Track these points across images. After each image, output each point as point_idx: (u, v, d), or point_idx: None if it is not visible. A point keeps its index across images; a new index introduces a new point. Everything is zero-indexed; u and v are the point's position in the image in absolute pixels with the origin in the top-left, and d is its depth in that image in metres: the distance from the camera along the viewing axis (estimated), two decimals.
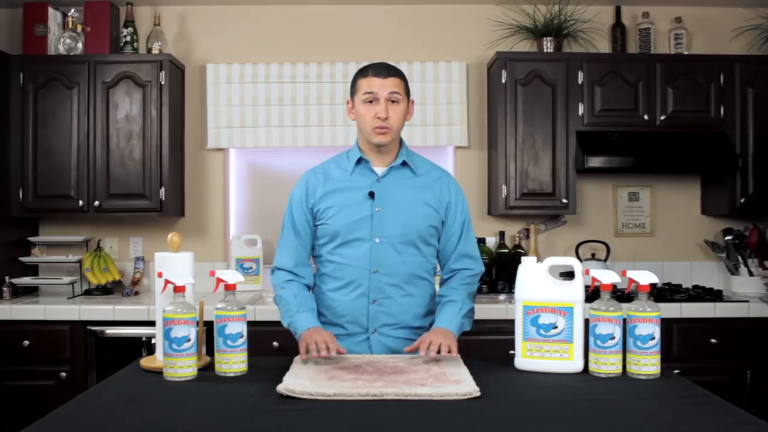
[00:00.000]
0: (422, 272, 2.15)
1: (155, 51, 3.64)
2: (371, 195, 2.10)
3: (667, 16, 3.83)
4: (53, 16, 3.61)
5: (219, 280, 1.88)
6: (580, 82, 3.54)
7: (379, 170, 2.14)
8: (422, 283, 2.15)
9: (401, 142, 2.19)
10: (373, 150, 2.13)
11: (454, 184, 2.22)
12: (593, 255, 3.76)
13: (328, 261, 2.15)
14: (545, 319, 1.84)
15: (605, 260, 3.72)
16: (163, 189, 3.52)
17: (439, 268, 2.25)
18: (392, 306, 2.10)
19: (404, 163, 2.15)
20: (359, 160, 2.14)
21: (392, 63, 3.67)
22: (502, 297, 3.47)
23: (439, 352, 1.89)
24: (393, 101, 2.07)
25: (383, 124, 2.06)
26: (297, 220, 2.16)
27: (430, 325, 2.14)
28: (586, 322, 1.83)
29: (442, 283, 2.23)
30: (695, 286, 3.55)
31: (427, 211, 2.13)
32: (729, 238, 3.72)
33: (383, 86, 2.06)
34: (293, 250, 2.17)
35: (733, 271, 3.71)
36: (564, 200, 3.55)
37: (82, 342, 3.19)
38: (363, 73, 2.11)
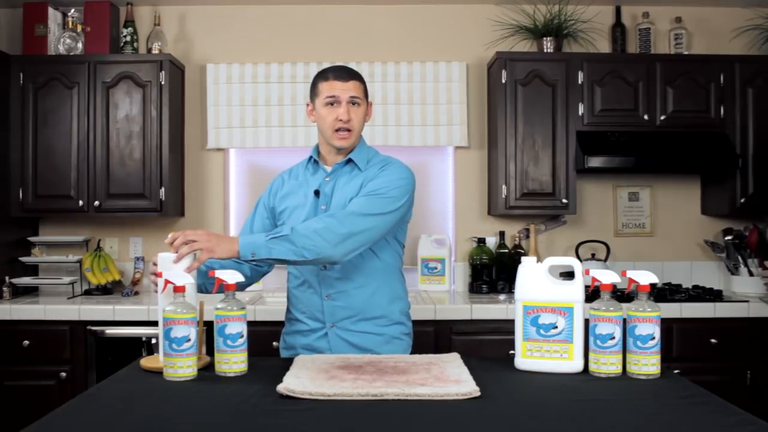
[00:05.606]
0: (372, 261, 2.12)
1: (155, 51, 3.64)
2: (316, 194, 2.13)
3: (667, 16, 3.83)
4: (53, 16, 3.61)
5: (219, 280, 1.88)
6: (580, 82, 3.54)
7: (329, 169, 2.17)
8: (375, 272, 2.13)
9: (361, 140, 2.20)
10: (333, 151, 2.15)
11: (388, 163, 2.13)
12: (593, 255, 3.76)
13: None
14: (545, 319, 1.84)
15: (605, 260, 3.72)
16: (163, 189, 3.52)
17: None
18: (347, 299, 2.11)
19: (350, 160, 2.15)
20: (313, 160, 2.19)
21: (392, 63, 3.76)
22: (502, 297, 3.47)
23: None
24: (354, 104, 2.10)
25: (345, 126, 2.08)
26: (256, 217, 2.25)
27: (400, 313, 2.15)
28: (586, 322, 1.83)
29: None
30: (695, 286, 3.55)
31: None
32: (729, 238, 3.72)
33: (344, 89, 2.09)
34: None
35: (733, 271, 3.71)
36: (564, 200, 3.55)
37: (82, 342, 3.19)
38: (323, 76, 2.13)
